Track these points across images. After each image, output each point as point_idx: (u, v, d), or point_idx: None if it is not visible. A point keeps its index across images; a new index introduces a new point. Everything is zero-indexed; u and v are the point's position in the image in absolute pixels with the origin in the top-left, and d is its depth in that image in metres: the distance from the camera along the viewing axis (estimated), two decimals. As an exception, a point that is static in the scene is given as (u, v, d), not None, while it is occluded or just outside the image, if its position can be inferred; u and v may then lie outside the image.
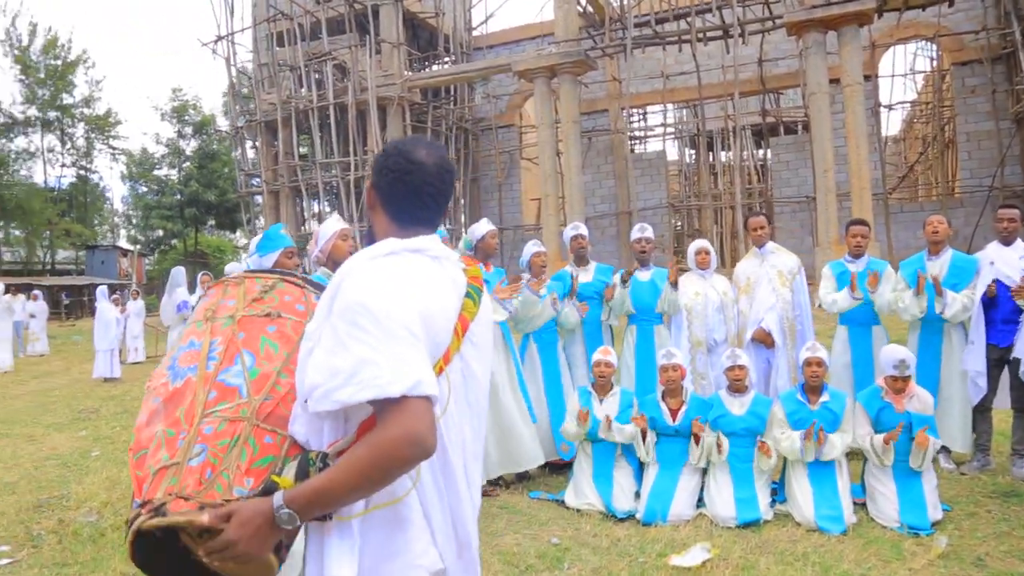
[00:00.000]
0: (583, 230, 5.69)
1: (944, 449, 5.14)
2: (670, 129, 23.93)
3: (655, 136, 22.69)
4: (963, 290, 4.94)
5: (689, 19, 16.11)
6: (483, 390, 1.64)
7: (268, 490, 1.39)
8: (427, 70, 21.96)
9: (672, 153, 24.43)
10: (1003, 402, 4.97)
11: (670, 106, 22.79)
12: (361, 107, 18.79)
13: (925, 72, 20.93)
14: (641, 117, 23.81)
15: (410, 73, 20.10)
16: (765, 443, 4.39)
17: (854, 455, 5.10)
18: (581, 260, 5.70)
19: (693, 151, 23.84)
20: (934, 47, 18.50)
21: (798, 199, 18.25)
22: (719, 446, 4.45)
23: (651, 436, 4.58)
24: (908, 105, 21.60)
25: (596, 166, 20.84)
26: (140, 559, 1.50)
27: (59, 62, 37.01)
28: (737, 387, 4.58)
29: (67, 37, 43.12)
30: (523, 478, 5.35)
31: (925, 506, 4.12)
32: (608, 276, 5.62)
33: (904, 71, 20.27)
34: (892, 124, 35.25)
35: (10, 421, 8.46)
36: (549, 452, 5.32)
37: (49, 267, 37.24)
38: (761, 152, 22.17)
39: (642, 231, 5.59)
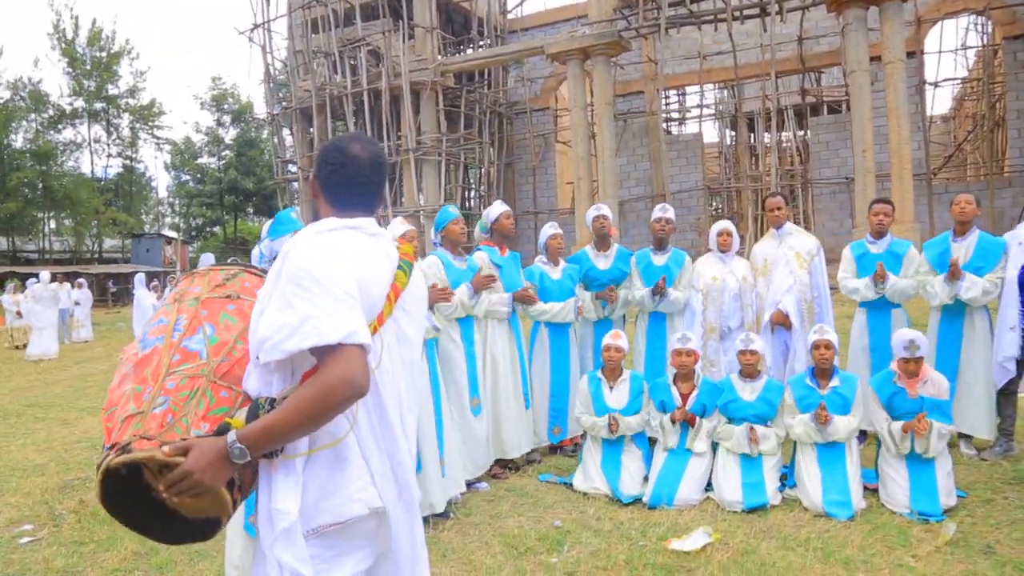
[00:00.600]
0: (606, 211, 5.60)
1: (964, 435, 5.00)
2: (709, 110, 23.58)
3: (693, 118, 22.33)
4: (987, 273, 4.77)
5: (724, -2, 15.79)
6: (416, 350, 1.86)
7: (222, 431, 1.56)
8: (461, 54, 21.91)
9: (713, 135, 24.10)
10: (1026, 386, 4.80)
11: (710, 87, 22.45)
12: (395, 92, 18.86)
13: (976, 47, 20.18)
14: (680, 98, 23.46)
15: (443, 57, 20.08)
16: (754, 429, 4.33)
17: (871, 440, 5.01)
18: (603, 242, 5.61)
19: (733, 132, 23.45)
20: (985, 20, 17.80)
21: (838, 180, 17.83)
22: (753, 438, 4.40)
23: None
24: (958, 82, 20.83)
25: (632, 148, 20.62)
26: (110, 505, 1.66)
27: (104, 54, 37.89)
28: (749, 372, 4.50)
29: (111, 29, 44.14)
30: (533, 461, 5.36)
31: (937, 492, 4.01)
32: (627, 263, 5.54)
33: (955, 46, 19.57)
34: (941, 102, 34.14)
35: (47, 405, 8.75)
36: (542, 436, 5.33)
37: (97, 255, 38.34)
38: (802, 133, 21.67)
39: (663, 211, 5.49)
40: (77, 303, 18.09)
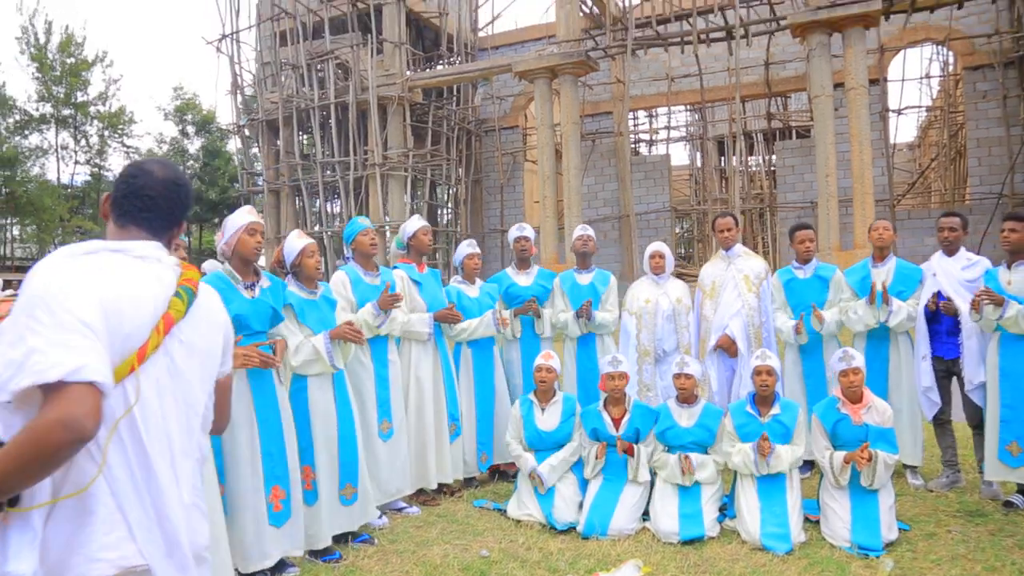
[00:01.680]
0: (528, 232, 5.48)
1: (910, 466, 4.91)
2: (681, 132, 23.68)
3: (662, 140, 22.42)
4: (908, 298, 4.76)
5: (691, 20, 15.83)
6: (195, 388, 1.65)
7: None
8: (430, 70, 21.80)
9: (684, 157, 24.18)
10: (960, 415, 4.73)
11: (681, 109, 22.55)
12: (362, 107, 18.66)
13: (938, 77, 20.50)
14: (652, 119, 23.56)
15: (412, 73, 19.95)
16: (688, 458, 4.17)
17: (817, 470, 4.88)
18: (523, 263, 5.47)
19: (704, 155, 23.60)
20: (945, 51, 18.08)
21: (803, 204, 17.91)
22: (684, 469, 4.23)
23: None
24: (924, 110, 21.13)
25: (600, 169, 20.59)
26: None
27: (73, 60, 37.25)
28: (685, 397, 4.35)
29: (82, 35, 43.47)
30: (470, 485, 5.15)
31: (879, 525, 3.88)
32: (549, 280, 5.40)
33: (919, 75, 19.87)
34: (905, 130, 34.74)
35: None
36: (470, 466, 5.11)
37: (60, 263, 37.39)
38: (770, 156, 21.84)
39: (583, 229, 5.44)
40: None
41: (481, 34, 22.59)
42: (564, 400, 4.56)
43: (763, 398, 4.24)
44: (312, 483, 3.83)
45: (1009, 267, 4.34)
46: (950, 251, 4.75)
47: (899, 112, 17.88)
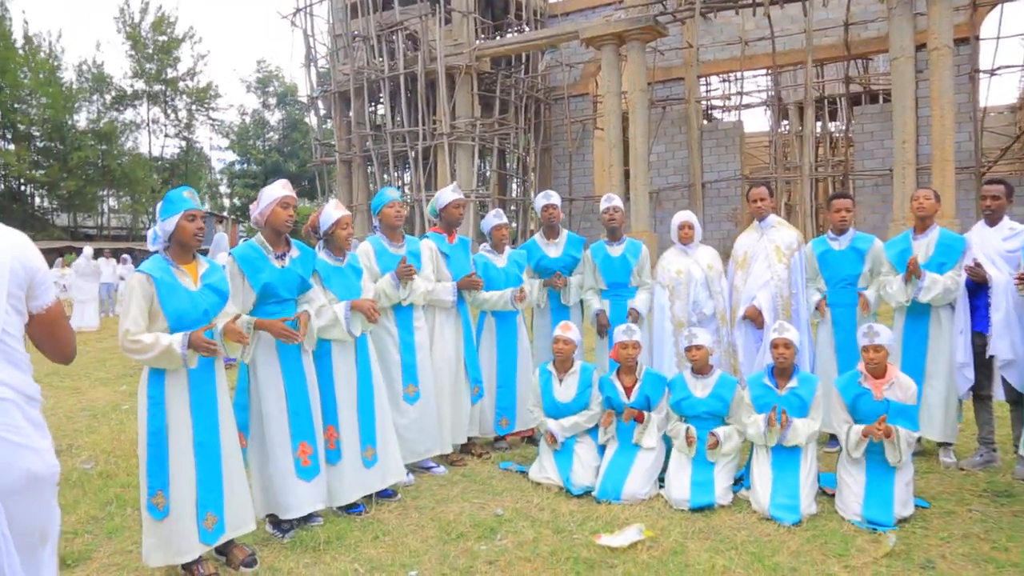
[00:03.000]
0: (555, 199, 5.50)
1: (944, 443, 4.79)
2: (757, 97, 22.94)
3: (735, 106, 21.79)
4: (948, 271, 4.55)
5: (764, -19, 15.31)
6: None
7: None
8: (499, 38, 21.78)
9: (763, 123, 23.40)
10: (1000, 392, 4.55)
11: (759, 73, 21.81)
12: (431, 76, 18.89)
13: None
14: (727, 85, 22.90)
15: (480, 42, 20.00)
16: (714, 434, 4.21)
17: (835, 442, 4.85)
18: (552, 231, 5.52)
19: (787, 121, 22.82)
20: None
21: (881, 171, 17.19)
22: (689, 440, 4.28)
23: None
24: (1017, 70, 19.80)
25: (670, 136, 20.26)
26: None
27: (165, 37, 38.93)
28: (699, 368, 4.38)
29: (174, 14, 45.32)
30: (500, 447, 5.33)
31: (892, 501, 3.84)
32: (578, 249, 5.45)
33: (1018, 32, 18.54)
34: (1008, 91, 32.51)
35: (64, 374, 9.07)
36: (489, 427, 5.26)
37: (154, 232, 39.49)
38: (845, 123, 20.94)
39: (609, 200, 5.38)
40: (122, 278, 18.74)
41: (551, 0, 22.39)
42: (582, 370, 4.65)
43: (781, 370, 4.23)
44: (336, 443, 4.07)
45: None
46: (992, 220, 4.55)
47: (992, 73, 16.83)
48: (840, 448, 4.79)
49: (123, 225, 39.90)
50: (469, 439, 5.12)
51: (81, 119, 37.14)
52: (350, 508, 4.11)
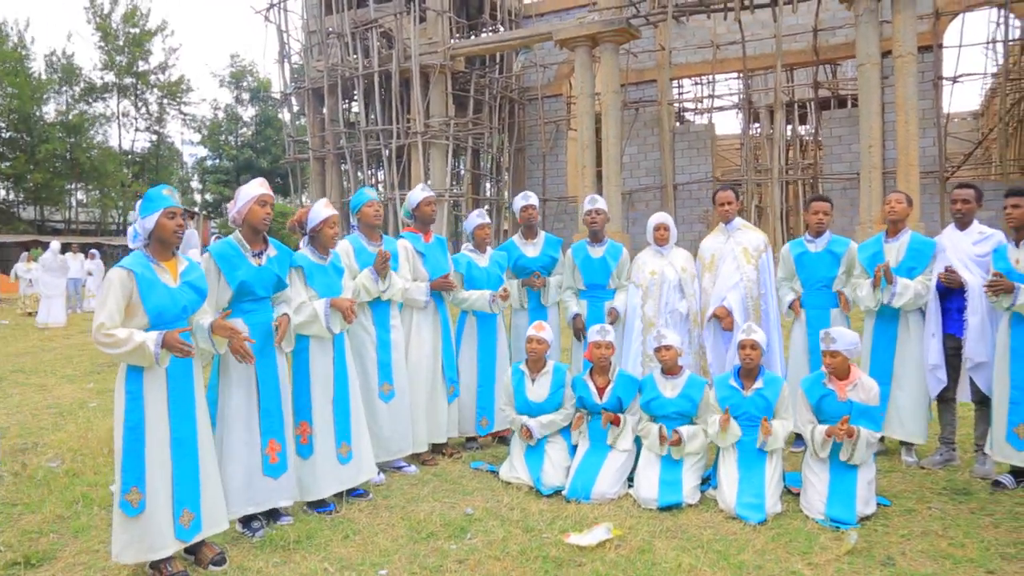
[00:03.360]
0: (533, 200, 5.56)
1: (905, 443, 4.91)
2: (730, 100, 23.18)
3: (707, 109, 22.01)
4: (918, 276, 4.65)
5: (735, -14, 15.48)
6: None
7: None
8: (474, 37, 21.79)
9: (735, 126, 23.66)
10: (965, 394, 4.67)
11: (731, 76, 22.02)
12: (405, 75, 18.84)
13: (1000, 42, 19.59)
14: (699, 87, 23.12)
15: (455, 41, 19.99)
16: (678, 432, 4.27)
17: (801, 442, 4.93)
18: (530, 232, 5.57)
19: (758, 124, 23.08)
20: (1006, 15, 17.26)
21: (849, 175, 17.49)
22: (662, 438, 4.33)
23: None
24: (977, 78, 20.24)
25: (643, 138, 20.41)
26: None
27: (137, 30, 38.31)
28: (668, 368, 4.44)
29: (147, 7, 44.66)
30: (471, 447, 5.36)
31: (855, 500, 3.93)
32: (556, 249, 5.50)
33: (985, 40, 18.94)
34: (970, 98, 33.21)
35: (31, 371, 8.93)
36: (469, 427, 5.31)
37: (122, 228, 38.91)
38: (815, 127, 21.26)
39: (593, 203, 5.43)
40: (90, 273, 18.45)
41: (526, 1, 22.44)
42: (555, 371, 4.69)
43: (747, 371, 4.31)
44: (308, 438, 4.07)
45: (1017, 244, 4.25)
46: (962, 224, 4.64)
47: (954, 80, 17.21)
48: (805, 448, 4.91)
49: (92, 220, 39.23)
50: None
51: (50, 111, 36.43)
52: (320, 507, 4.11)
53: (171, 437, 3.31)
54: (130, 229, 3.41)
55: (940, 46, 16.80)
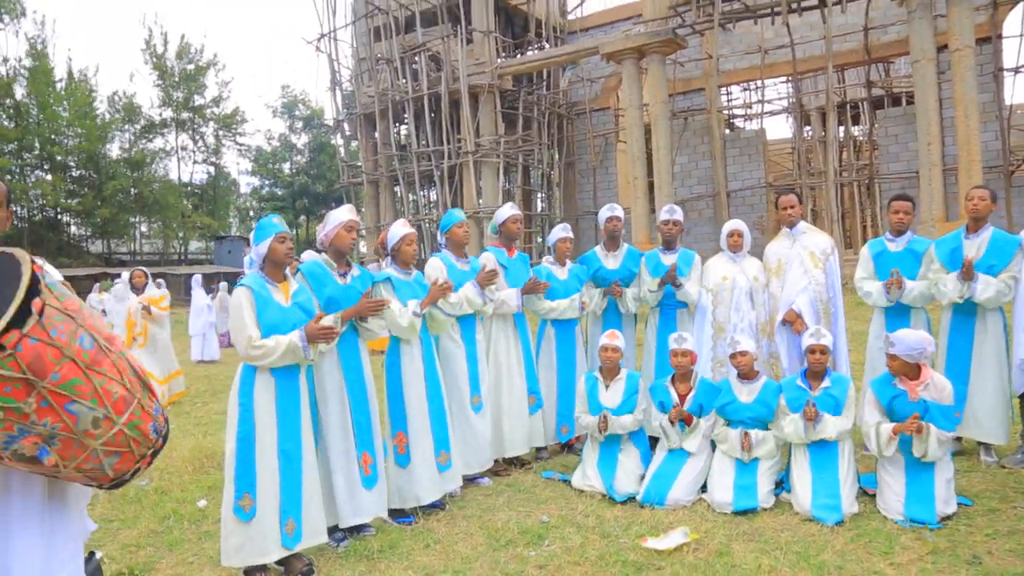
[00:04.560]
0: (619, 211, 5.65)
1: (984, 443, 4.81)
2: (780, 104, 22.92)
3: (756, 114, 21.81)
4: (1000, 272, 4.57)
5: (781, -11, 15.37)
6: None
7: None
8: (520, 56, 22.04)
9: (787, 130, 23.37)
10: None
11: (781, 80, 21.79)
12: (455, 96, 19.16)
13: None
14: (749, 93, 22.94)
15: (501, 60, 20.26)
16: (747, 435, 4.29)
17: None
18: (613, 243, 5.65)
19: (809, 127, 22.78)
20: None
21: (907, 174, 17.10)
22: (747, 445, 4.36)
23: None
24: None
25: (693, 146, 20.33)
26: None
27: (192, 66, 39.85)
28: (744, 374, 4.47)
29: (199, 43, 46.40)
30: (542, 456, 5.45)
31: (934, 499, 3.89)
32: (636, 263, 5.56)
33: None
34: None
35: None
36: (551, 434, 5.41)
37: (183, 257, 40.27)
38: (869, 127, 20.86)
39: (671, 213, 5.51)
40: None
41: (570, 17, 22.63)
42: (628, 378, 4.76)
43: (815, 373, 4.31)
44: (405, 447, 4.25)
45: None
46: None
47: (1016, 71, 16.71)
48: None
49: (155, 250, 40.74)
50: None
51: (114, 148, 38.10)
52: (401, 518, 4.24)
53: (278, 448, 3.52)
54: (246, 258, 3.70)
55: (1000, 36, 16.35)
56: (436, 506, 4.45)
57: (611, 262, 5.61)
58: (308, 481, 3.64)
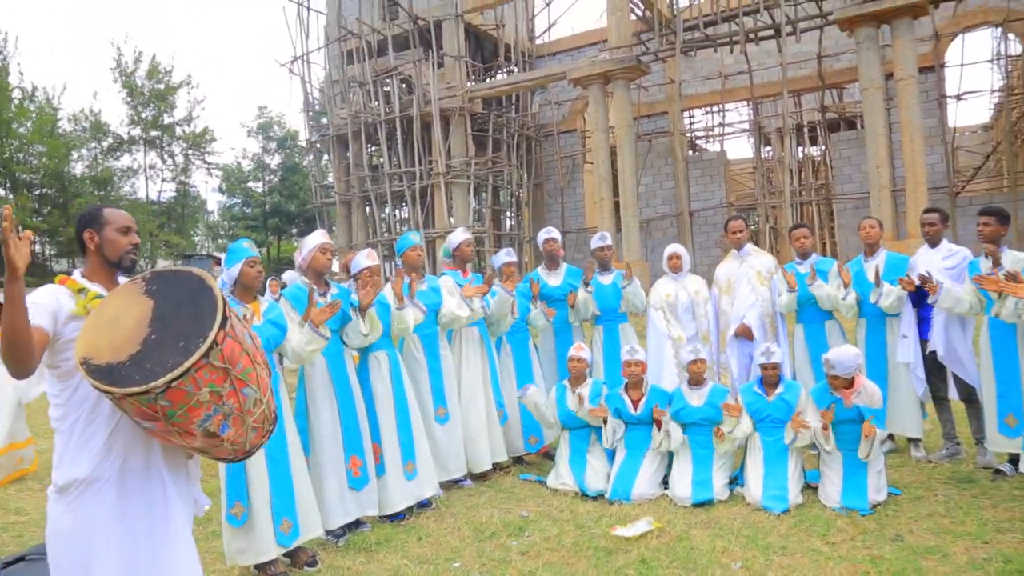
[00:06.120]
0: (556, 234, 6.13)
1: (914, 440, 5.39)
2: (732, 128, 23.77)
3: (717, 136, 22.64)
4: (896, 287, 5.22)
5: (739, 20, 16.16)
6: None
7: None
8: (489, 80, 22.63)
9: (748, 150, 24.16)
10: (954, 393, 5.19)
11: (741, 104, 22.65)
12: (426, 119, 19.62)
13: (1002, 58, 20.09)
14: (712, 115, 23.74)
15: (472, 84, 20.83)
16: (719, 428, 4.80)
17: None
18: (553, 263, 6.12)
19: (770, 148, 23.64)
20: (1003, 33, 17.81)
21: (860, 195, 17.95)
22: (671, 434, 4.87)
23: (613, 423, 5.04)
24: (981, 94, 20.75)
25: (657, 168, 21.03)
26: None
27: (162, 86, 39.75)
28: (696, 380, 4.98)
29: (170, 63, 46.34)
30: (519, 463, 5.89)
31: (866, 489, 4.43)
32: (577, 279, 6.04)
33: (990, 57, 19.45)
34: (979, 112, 33.64)
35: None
36: (518, 447, 5.82)
37: (151, 276, 39.83)
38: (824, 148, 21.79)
39: (603, 240, 6.02)
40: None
41: (538, 42, 23.31)
42: (592, 385, 5.25)
43: (770, 383, 4.86)
44: (380, 457, 4.64)
45: (987, 256, 4.78)
46: (932, 243, 5.25)
47: (958, 98, 17.73)
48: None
49: (122, 270, 40.30)
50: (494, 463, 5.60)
51: (79, 166, 37.79)
52: (393, 516, 4.66)
53: (266, 455, 3.88)
54: (217, 280, 4.05)
55: (942, 66, 17.35)
56: (424, 504, 4.87)
57: (553, 279, 6.08)
58: (298, 481, 4.02)
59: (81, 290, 2.36)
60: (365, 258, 4.75)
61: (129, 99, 39.21)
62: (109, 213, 2.49)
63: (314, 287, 4.24)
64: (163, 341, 2.07)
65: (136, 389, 1.98)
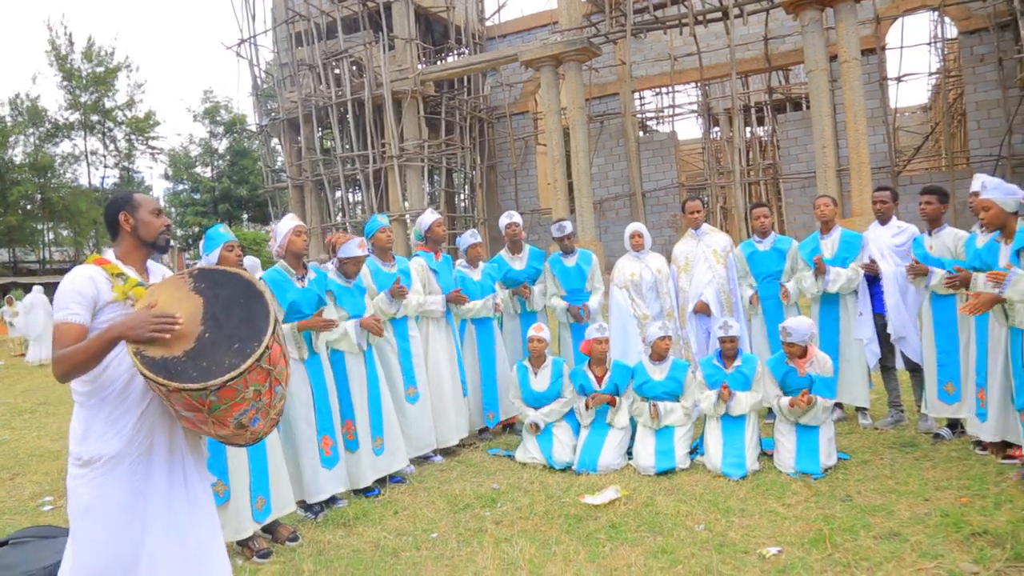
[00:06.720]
0: (517, 218, 6.23)
1: (861, 408, 5.70)
2: (689, 108, 24.16)
3: (668, 117, 22.99)
4: (851, 263, 5.48)
5: (687, 3, 16.43)
6: None
7: None
8: (441, 63, 22.56)
9: (696, 131, 24.64)
10: (899, 363, 5.50)
11: (691, 85, 23.02)
12: (377, 101, 19.50)
13: (940, 41, 20.81)
14: (660, 97, 24.06)
15: (423, 66, 20.74)
16: (656, 406, 5.04)
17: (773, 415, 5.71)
18: (516, 247, 6.25)
19: (718, 128, 24.09)
20: (940, 17, 18.45)
21: (807, 174, 18.50)
22: (655, 414, 5.06)
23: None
24: (920, 76, 21.49)
25: (609, 149, 21.29)
26: None
27: (101, 68, 38.48)
28: (659, 355, 5.19)
29: (110, 45, 44.77)
30: (485, 438, 6.04)
31: (818, 454, 4.69)
32: (540, 261, 6.18)
33: (928, 40, 20.15)
34: (918, 93, 34.79)
35: (57, 403, 9.44)
36: (478, 421, 6.00)
37: (97, 264, 38.79)
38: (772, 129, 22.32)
39: (561, 230, 6.14)
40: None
41: (488, 23, 23.28)
42: (553, 364, 5.41)
43: (728, 356, 5.08)
44: (353, 434, 4.75)
45: (930, 234, 5.09)
46: (883, 220, 5.53)
47: (899, 80, 18.33)
48: (775, 418, 5.68)
49: (66, 258, 39.20)
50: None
51: (17, 153, 36.45)
52: (367, 492, 4.77)
53: None
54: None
55: (883, 48, 17.90)
56: (397, 481, 5.00)
57: (517, 263, 6.22)
58: (272, 460, 4.12)
59: (119, 275, 2.42)
60: (357, 247, 4.81)
61: (66, 83, 37.93)
62: (140, 197, 2.58)
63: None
64: (217, 341, 2.20)
65: (194, 386, 2.10)
